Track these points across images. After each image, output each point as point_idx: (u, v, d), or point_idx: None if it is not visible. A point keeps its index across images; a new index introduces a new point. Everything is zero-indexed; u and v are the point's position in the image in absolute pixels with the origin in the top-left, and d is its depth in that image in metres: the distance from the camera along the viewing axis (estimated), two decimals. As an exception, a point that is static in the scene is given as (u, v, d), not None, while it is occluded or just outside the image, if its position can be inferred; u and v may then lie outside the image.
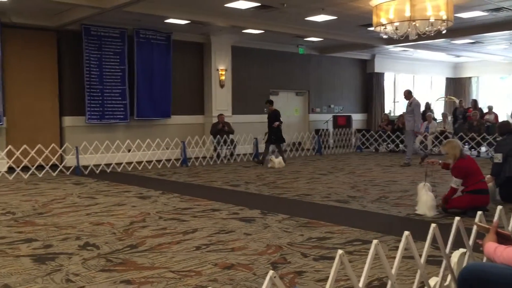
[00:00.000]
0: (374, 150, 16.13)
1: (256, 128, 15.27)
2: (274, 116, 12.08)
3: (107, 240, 4.95)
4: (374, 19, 10.53)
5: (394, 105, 21.41)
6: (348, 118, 18.09)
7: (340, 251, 1.91)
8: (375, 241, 2.21)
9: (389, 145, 15.83)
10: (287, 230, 5.28)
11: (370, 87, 19.85)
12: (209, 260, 4.22)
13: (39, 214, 6.33)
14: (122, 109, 13.04)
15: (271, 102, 12.41)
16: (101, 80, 12.65)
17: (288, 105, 17.60)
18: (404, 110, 12.27)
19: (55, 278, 3.78)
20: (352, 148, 16.69)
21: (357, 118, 19.35)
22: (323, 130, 16.66)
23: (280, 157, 11.77)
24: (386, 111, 19.78)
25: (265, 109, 13.58)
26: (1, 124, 11.22)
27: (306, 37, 14.88)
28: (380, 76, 20.10)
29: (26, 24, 11.52)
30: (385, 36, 10.87)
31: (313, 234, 5.07)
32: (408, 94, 11.74)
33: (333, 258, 4.20)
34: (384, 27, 10.27)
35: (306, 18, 12.44)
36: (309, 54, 17.46)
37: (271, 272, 1.75)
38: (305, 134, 16.19)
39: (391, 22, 10.07)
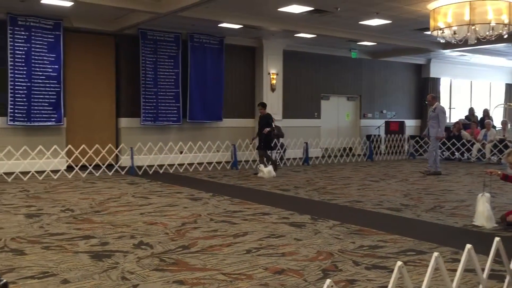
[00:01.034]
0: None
1: (306, 132, 15.21)
2: (266, 121, 11.08)
3: (160, 240, 5.06)
4: (431, 23, 10.25)
5: (450, 111, 20.74)
6: (401, 124, 17.68)
7: (399, 263, 1.87)
8: (436, 254, 2.14)
9: (444, 153, 15.34)
10: (338, 237, 5.21)
11: (425, 92, 19.30)
12: (260, 264, 4.23)
13: (96, 212, 6.56)
14: (175, 111, 13.33)
15: (263, 105, 11.34)
16: (155, 83, 12.99)
17: (339, 110, 17.42)
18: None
19: (111, 275, 3.90)
20: (404, 155, 16.29)
21: (410, 124, 18.88)
22: (374, 136, 16.36)
23: (271, 167, 10.70)
24: (441, 118, 19.15)
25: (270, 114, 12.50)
26: (62, 125, 11.71)
27: (359, 41, 14.69)
28: (436, 81, 19.53)
29: (86, 29, 12.00)
30: (442, 41, 10.57)
31: (365, 242, 4.98)
32: (432, 99, 11.33)
33: (386, 268, 4.12)
34: (441, 31, 9.98)
35: (360, 22, 12.28)
36: (362, 58, 17.22)
37: (328, 281, 1.73)
38: (356, 139, 15.96)
39: (449, 26, 9.77)
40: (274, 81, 14.98)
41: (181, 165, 11.98)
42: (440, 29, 9.96)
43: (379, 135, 16.62)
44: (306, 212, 6.52)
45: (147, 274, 3.93)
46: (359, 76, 17.54)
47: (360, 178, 10.61)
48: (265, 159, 11.07)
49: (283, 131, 14.06)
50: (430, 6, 10.22)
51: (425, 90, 19.26)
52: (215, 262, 4.27)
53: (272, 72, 14.94)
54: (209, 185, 9.46)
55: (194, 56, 13.53)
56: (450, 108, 20.70)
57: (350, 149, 15.24)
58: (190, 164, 12.05)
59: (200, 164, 12.15)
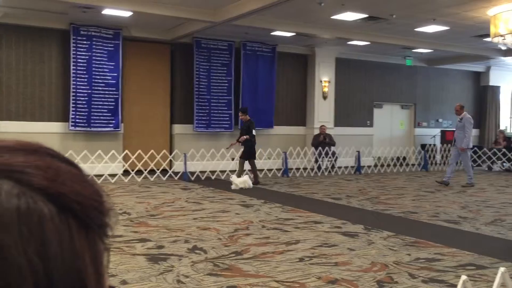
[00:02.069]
0: (486, 169, 15.07)
1: (358, 140, 15.00)
2: (247, 128, 10.55)
3: (214, 245, 5.13)
4: (492, 29, 9.89)
5: (510, 120, 19.86)
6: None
7: (464, 277, 1.81)
8: (502, 269, 2.06)
9: (504, 164, 14.70)
10: (392, 248, 5.10)
11: (484, 101, 18.60)
12: (313, 272, 4.20)
13: (152, 216, 6.74)
14: (227, 118, 13.50)
15: (243, 110, 10.81)
16: (208, 90, 13.23)
17: (393, 118, 17.06)
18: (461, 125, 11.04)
19: (167, 278, 4.00)
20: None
21: (468, 134, 18.18)
22: (429, 145, 15.90)
23: (246, 176, 10.01)
24: (502, 127, 18.39)
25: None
26: (119, 130, 12.13)
27: (414, 48, 14.37)
28: (496, 89, 18.76)
29: (143, 38, 12.40)
30: (503, 48, 10.17)
31: (421, 255, 4.85)
32: (460, 109, 10.85)
33: (444, 282, 3.99)
34: (502, 37, 9.61)
35: (415, 29, 12.02)
36: (417, 66, 16.81)
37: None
38: (410, 149, 15.58)
39: (511, 33, 9.39)
40: (326, 89, 14.89)
41: (232, 171, 12.09)
42: (501, 35, 9.59)
43: (434, 145, 16.13)
44: (359, 222, 6.43)
45: (201, 278, 3.99)
46: (414, 84, 17.13)
47: (414, 188, 10.34)
48: (246, 169, 10.52)
49: (334, 139, 13.95)
50: (490, 12, 9.86)
51: (483, 99, 18.56)
52: (267, 269, 4.28)
53: (324, 80, 14.86)
54: (260, 192, 9.50)
55: (246, 64, 13.67)
56: (511, 118, 19.82)
57: (404, 158, 14.88)
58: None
59: (251, 171, 12.21)
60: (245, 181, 9.72)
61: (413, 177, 12.72)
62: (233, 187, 9.58)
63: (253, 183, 9.97)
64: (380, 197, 8.98)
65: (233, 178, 9.77)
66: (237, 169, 10.44)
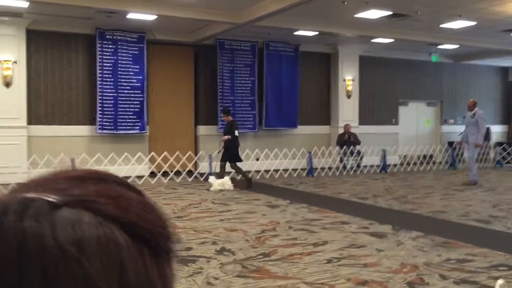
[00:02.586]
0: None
1: (384, 139, 14.84)
2: (229, 129, 10.16)
3: (241, 246, 5.15)
4: (521, 24, 9.66)
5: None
6: (486, 130, 16.73)
7: (500, 281, 1.78)
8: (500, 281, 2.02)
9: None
10: (422, 249, 5.04)
11: (512, 97, 18.19)
12: (342, 274, 4.18)
13: (179, 217, 6.81)
14: (251, 119, 13.53)
15: (226, 112, 10.49)
16: (232, 91, 13.28)
17: (419, 116, 16.83)
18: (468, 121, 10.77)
19: (196, 280, 4.03)
20: (490, 163, 15.41)
21: (497, 130, 17.84)
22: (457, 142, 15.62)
23: (226, 178, 9.67)
24: (531, 123, 17.95)
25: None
26: (145, 133, 12.28)
27: (440, 45, 14.14)
28: (524, 84, 18.32)
29: (167, 40, 12.52)
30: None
31: (452, 255, 4.77)
32: (473, 105, 10.57)
33: (476, 283, 3.93)
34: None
35: (441, 25, 11.83)
36: (443, 62, 16.53)
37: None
38: (437, 146, 15.33)
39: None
40: (350, 88, 14.78)
41: (257, 171, 12.11)
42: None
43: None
44: (386, 222, 6.36)
45: (231, 280, 4.02)
46: (440, 81, 16.86)
47: (442, 187, 10.18)
48: (231, 172, 10.23)
49: (359, 138, 13.83)
50: (519, 5, 9.64)
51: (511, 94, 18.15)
52: (296, 271, 4.28)
53: (348, 79, 14.75)
54: (286, 192, 9.49)
55: (269, 64, 13.67)
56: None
57: (431, 156, 14.66)
58: (267, 171, 12.15)
59: (276, 171, 12.22)
60: (224, 182, 9.51)
61: (440, 175, 12.53)
62: (211, 189, 9.45)
63: (247, 187, 9.74)
64: (408, 196, 8.87)
65: (212, 179, 9.59)
66: (218, 172, 10.07)
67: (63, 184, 0.40)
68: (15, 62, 10.72)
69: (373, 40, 13.46)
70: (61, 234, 0.36)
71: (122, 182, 0.45)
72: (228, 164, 10.10)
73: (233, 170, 10.28)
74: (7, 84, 10.66)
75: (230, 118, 10.34)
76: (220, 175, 9.81)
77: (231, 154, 9.99)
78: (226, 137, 10.01)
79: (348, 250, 5.00)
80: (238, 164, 10.16)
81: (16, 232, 0.35)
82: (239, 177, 10.18)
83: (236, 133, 10.07)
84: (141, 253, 0.39)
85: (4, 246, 0.34)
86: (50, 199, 0.38)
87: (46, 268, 0.34)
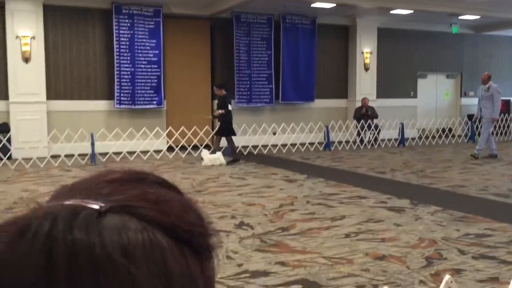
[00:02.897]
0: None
1: (402, 112, 14.69)
2: (222, 103, 10.00)
3: (260, 221, 5.21)
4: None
5: None
6: (507, 103, 16.43)
7: (447, 277, 1.79)
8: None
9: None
10: (440, 223, 5.04)
11: (535, 68, 17.76)
12: (360, 249, 4.22)
13: (198, 191, 6.89)
14: (268, 93, 13.49)
15: (220, 86, 10.23)
16: (249, 65, 13.21)
17: (438, 88, 16.58)
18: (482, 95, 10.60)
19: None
20: (511, 136, 15.20)
21: (518, 103, 17.49)
22: (476, 115, 15.39)
23: (219, 153, 9.67)
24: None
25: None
26: (162, 107, 12.34)
27: (460, 15, 13.80)
28: (548, 55, 17.85)
29: (183, 14, 12.44)
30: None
31: (471, 230, 4.77)
32: (488, 79, 10.32)
33: (495, 258, 3.93)
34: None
35: (462, -5, 11.53)
36: (463, 33, 16.17)
37: (447, 277, 1.70)
38: (456, 119, 15.14)
39: None
40: (367, 60, 14.58)
41: (274, 146, 12.13)
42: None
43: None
44: (404, 196, 6.36)
45: (250, 255, 4.08)
46: (460, 52, 16.52)
47: (461, 161, 10.10)
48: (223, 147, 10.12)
49: (377, 111, 13.72)
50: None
51: (535, 66, 17.71)
52: (314, 245, 4.33)
53: (366, 51, 14.54)
54: (303, 166, 9.51)
55: (286, 37, 13.53)
56: None
57: (450, 129, 14.49)
58: (284, 145, 12.16)
59: (293, 145, 12.22)
60: (216, 158, 9.46)
61: (459, 149, 12.41)
62: (203, 163, 9.44)
63: (233, 160, 9.81)
64: (426, 170, 8.82)
65: (204, 153, 9.58)
66: (213, 146, 10.06)
67: (105, 189, 0.41)
68: (33, 37, 10.78)
69: (392, 12, 13.19)
70: (109, 242, 0.36)
71: (160, 181, 0.46)
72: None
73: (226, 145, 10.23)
74: (26, 60, 10.75)
75: (224, 92, 10.09)
76: (214, 150, 9.82)
77: (224, 128, 9.96)
78: (219, 111, 9.89)
79: (366, 224, 5.03)
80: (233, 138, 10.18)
81: (67, 244, 0.36)
82: (203, 151, 9.91)
83: (230, 107, 9.99)
84: (184, 254, 0.40)
85: (56, 258, 0.35)
86: (95, 207, 0.39)
87: (96, 278, 0.35)
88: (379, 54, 14.80)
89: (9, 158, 9.58)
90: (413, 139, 13.51)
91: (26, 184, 7.49)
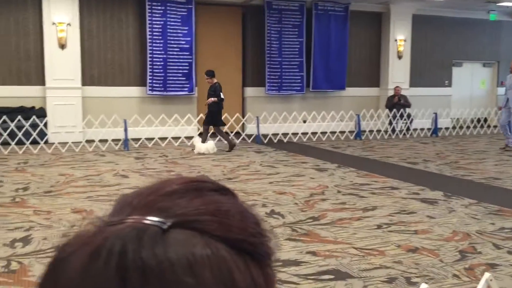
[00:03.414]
0: None
1: (435, 101, 14.42)
2: (213, 91, 9.73)
3: (290, 210, 5.23)
4: None
5: None
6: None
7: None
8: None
9: None
10: (475, 216, 4.96)
11: None
12: (392, 240, 4.20)
13: (228, 179, 6.95)
14: (299, 80, 13.42)
15: (210, 74, 9.94)
16: (280, 52, 13.15)
17: (473, 77, 16.15)
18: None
19: (248, 241, 4.15)
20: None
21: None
22: (513, 105, 14.94)
23: (211, 142, 9.55)
24: None
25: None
26: (193, 94, 12.44)
27: (499, 2, 13.38)
28: None
29: (215, 1, 12.45)
30: None
31: (507, 224, 4.68)
32: None
33: (532, 254, 3.85)
34: None
35: (502, -19, 11.16)
36: (501, 21, 15.66)
37: (487, 274, 1.69)
38: (492, 109, 14.75)
39: None
40: (401, 48, 14.31)
41: (304, 134, 12.09)
42: None
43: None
44: (437, 188, 6.27)
45: (281, 243, 4.11)
46: (497, 40, 16.02)
47: (497, 152, 9.87)
48: (210, 133, 9.84)
49: (410, 100, 13.48)
50: None
51: None
52: (346, 236, 4.33)
53: (400, 39, 14.26)
54: (333, 155, 9.47)
55: (318, 24, 13.39)
56: None
57: (485, 120, 14.14)
58: (314, 134, 12.11)
59: (323, 133, 12.16)
60: (207, 147, 9.39)
61: (495, 139, 12.11)
62: (194, 151, 9.38)
63: (229, 149, 9.68)
64: (460, 161, 8.66)
65: (196, 140, 9.46)
66: (202, 136, 9.81)
67: (165, 202, 0.42)
68: (69, 24, 10.99)
69: (427, -2, 12.89)
70: (176, 260, 0.37)
71: (216, 188, 0.47)
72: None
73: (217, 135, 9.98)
74: (62, 46, 10.98)
75: (215, 80, 9.86)
76: (203, 140, 9.61)
77: (214, 118, 9.68)
78: (211, 99, 9.59)
79: (398, 216, 4.99)
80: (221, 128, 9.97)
81: (138, 264, 0.37)
82: (195, 138, 9.67)
83: (222, 95, 9.73)
84: (247, 265, 0.41)
85: (130, 278, 0.36)
86: (159, 225, 0.40)
87: None
88: (413, 42, 14.51)
89: (46, 142, 9.85)
90: (446, 129, 13.27)
91: (63, 168, 7.70)
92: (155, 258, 0.37)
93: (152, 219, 0.40)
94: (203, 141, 9.55)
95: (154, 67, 11.91)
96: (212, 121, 9.69)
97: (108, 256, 0.37)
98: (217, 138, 9.90)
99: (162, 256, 0.38)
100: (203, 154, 9.25)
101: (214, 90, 9.67)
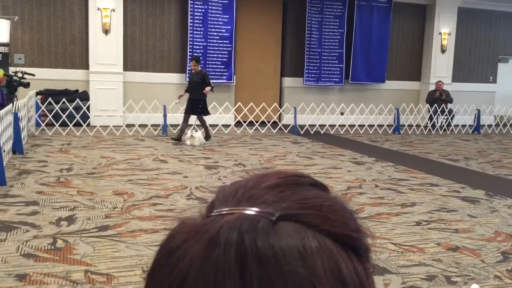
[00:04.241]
0: None
1: (478, 98, 14.04)
2: (202, 79, 9.00)
3: (328, 202, 5.21)
4: None
5: None
6: None
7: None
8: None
9: None
10: (518, 218, 4.83)
11: None
12: (432, 238, 4.14)
13: (265, 168, 6.98)
14: (337, 72, 13.28)
15: (198, 60, 9.21)
16: (320, 43, 13.03)
17: (520, 74, 15.61)
18: None
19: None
20: None
21: None
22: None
23: (200, 132, 9.03)
24: None
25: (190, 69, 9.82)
26: (232, 82, 12.49)
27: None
28: None
29: (257, -10, 12.41)
30: None
31: (552, 227, 4.54)
32: None
33: None
34: None
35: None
36: (553, 16, 15.04)
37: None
38: (538, 108, 14.22)
39: None
40: (445, 42, 13.95)
41: (342, 126, 11.98)
42: None
43: None
44: (479, 187, 6.13)
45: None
46: (548, 36, 15.40)
47: (542, 152, 9.54)
48: (194, 124, 9.13)
49: (452, 95, 13.15)
50: None
51: None
52: (384, 231, 4.30)
53: (444, 32, 13.90)
54: (371, 149, 9.36)
55: (360, 15, 13.18)
56: None
57: (529, 118, 13.66)
58: (351, 126, 11.99)
59: (361, 126, 12.02)
60: (200, 137, 8.94)
61: (540, 139, 11.70)
62: (189, 142, 8.80)
63: (206, 139, 9.24)
64: (503, 160, 8.42)
65: (194, 133, 8.80)
66: (182, 125, 9.19)
67: (269, 195, 0.44)
68: (113, 10, 11.19)
69: (475, -9, 12.49)
70: (288, 250, 0.39)
71: (313, 183, 0.48)
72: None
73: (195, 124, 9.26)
74: (106, 32, 11.20)
75: (199, 67, 9.18)
76: (182, 129, 9.12)
77: (203, 107, 9.13)
78: (208, 88, 8.98)
79: (438, 213, 4.91)
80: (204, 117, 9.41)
81: (254, 252, 0.39)
82: (192, 131, 8.95)
83: (211, 83, 9.25)
84: (351, 259, 0.42)
85: (248, 265, 0.38)
86: (268, 217, 0.41)
87: (284, 283, 0.38)
88: (458, 36, 14.13)
89: (88, 125, 10.11)
90: (489, 126, 12.91)
91: (104, 151, 7.90)
92: (271, 248, 0.39)
93: (260, 210, 0.42)
94: (182, 131, 9.08)
95: (194, 54, 12.00)
96: (203, 110, 9.16)
97: (226, 244, 0.39)
98: (192, 127, 9.06)
99: (276, 246, 0.39)
100: (193, 146, 8.71)
101: (203, 78, 9.02)
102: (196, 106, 9.03)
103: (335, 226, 0.42)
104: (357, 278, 0.42)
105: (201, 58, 9.96)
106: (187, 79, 8.59)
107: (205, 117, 9.36)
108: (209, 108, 10.76)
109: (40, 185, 5.50)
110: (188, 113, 9.16)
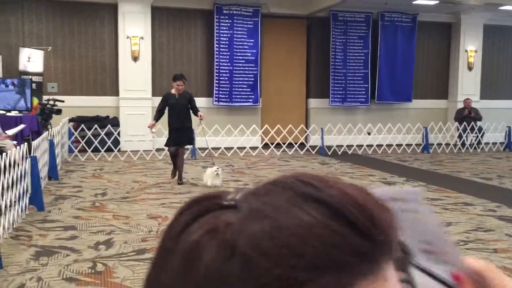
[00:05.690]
0: None
1: (509, 115, 13.79)
2: (189, 101, 7.43)
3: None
4: None
5: None
6: None
7: None
8: None
9: None
10: (559, 237, 4.71)
11: None
12: (470, 258, 4.07)
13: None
14: (363, 92, 13.28)
15: (179, 77, 7.55)
16: (344, 64, 13.08)
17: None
18: None
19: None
20: None
21: None
22: None
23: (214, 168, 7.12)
24: None
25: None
26: (258, 105, 12.61)
27: None
28: None
29: (281, 14, 12.60)
30: None
31: None
32: None
33: None
34: None
35: None
36: None
37: None
38: None
39: None
40: (471, 59, 13.83)
41: (369, 146, 11.92)
42: None
43: None
44: (515, 206, 6.00)
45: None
46: None
47: None
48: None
49: (481, 113, 12.98)
50: None
51: None
52: (421, 251, 4.24)
53: (470, 49, 13.80)
54: (400, 168, 9.28)
55: (384, 35, 13.22)
56: None
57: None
58: (379, 146, 11.92)
59: (388, 146, 11.93)
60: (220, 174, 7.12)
61: None
62: (209, 183, 6.97)
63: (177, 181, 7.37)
64: (538, 178, 8.23)
65: (217, 172, 7.03)
66: (176, 165, 7.47)
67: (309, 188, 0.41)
68: (142, 37, 11.49)
69: (501, 8, 12.41)
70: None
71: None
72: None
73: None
74: (135, 59, 11.49)
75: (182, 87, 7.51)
76: (180, 171, 7.41)
77: (192, 136, 7.90)
78: (202, 114, 7.43)
79: (475, 233, 4.83)
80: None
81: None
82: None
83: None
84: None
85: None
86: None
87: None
88: (484, 53, 14.00)
89: (119, 150, 10.31)
90: (520, 143, 12.63)
91: (136, 176, 8.04)
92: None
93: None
94: (181, 172, 7.40)
95: (221, 78, 12.20)
96: (190, 140, 7.78)
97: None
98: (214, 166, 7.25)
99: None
100: (217, 186, 6.97)
101: (190, 100, 7.44)
102: (190, 135, 7.56)
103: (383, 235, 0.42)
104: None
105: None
106: (169, 102, 7.28)
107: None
108: (236, 131, 10.85)
109: (76, 210, 5.62)
110: (180, 145, 7.33)
